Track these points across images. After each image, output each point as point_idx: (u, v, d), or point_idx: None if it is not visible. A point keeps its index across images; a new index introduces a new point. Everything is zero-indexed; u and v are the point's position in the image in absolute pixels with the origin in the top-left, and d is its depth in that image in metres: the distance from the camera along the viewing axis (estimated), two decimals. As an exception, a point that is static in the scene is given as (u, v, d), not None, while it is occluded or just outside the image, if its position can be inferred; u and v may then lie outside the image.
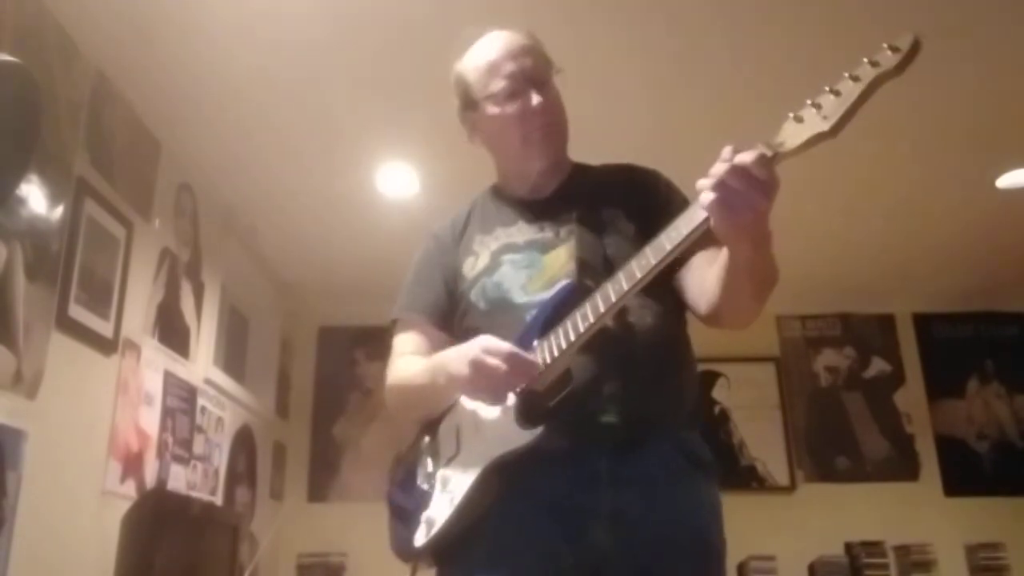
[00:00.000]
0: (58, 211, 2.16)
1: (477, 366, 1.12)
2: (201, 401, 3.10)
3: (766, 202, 0.96)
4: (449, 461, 1.23)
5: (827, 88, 0.93)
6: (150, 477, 2.62)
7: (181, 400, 2.91)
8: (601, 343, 1.14)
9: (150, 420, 2.65)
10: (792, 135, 0.95)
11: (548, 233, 1.31)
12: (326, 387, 4.42)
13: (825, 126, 0.91)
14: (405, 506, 1.27)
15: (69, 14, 2.19)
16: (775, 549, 3.93)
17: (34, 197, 2.05)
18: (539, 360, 1.13)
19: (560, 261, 1.26)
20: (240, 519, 3.23)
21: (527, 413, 1.12)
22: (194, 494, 2.96)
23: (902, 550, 3.98)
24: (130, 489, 2.47)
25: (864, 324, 4.57)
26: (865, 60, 0.91)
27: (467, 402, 1.24)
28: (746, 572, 3.91)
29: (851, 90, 0.91)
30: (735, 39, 2.43)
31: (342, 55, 2.47)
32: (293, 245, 3.80)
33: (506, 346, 1.12)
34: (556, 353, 1.12)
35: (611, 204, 1.32)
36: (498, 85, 1.32)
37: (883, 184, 3.30)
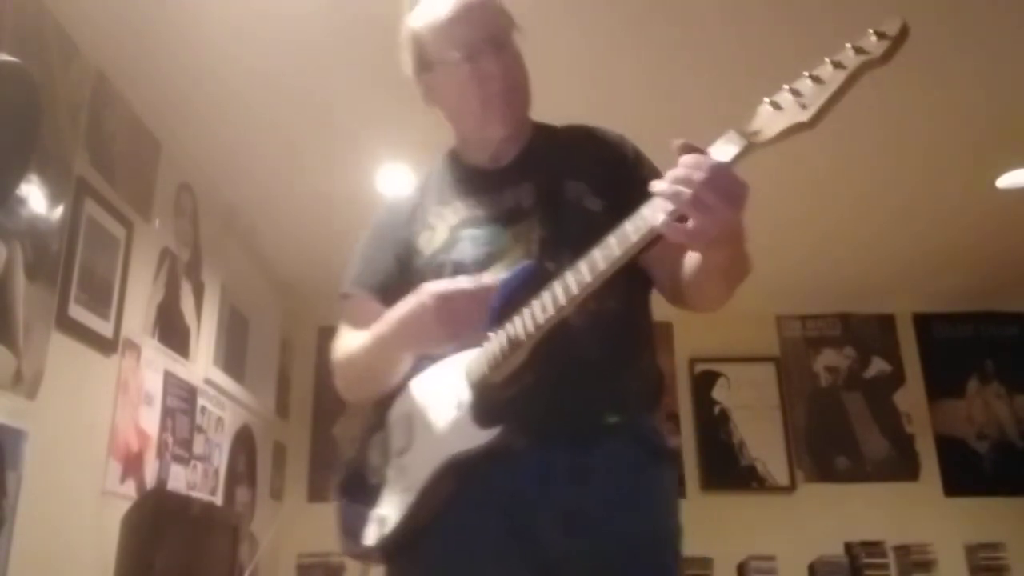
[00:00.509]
0: (58, 211, 2.16)
1: (442, 298, 1.07)
2: (201, 401, 3.10)
3: (734, 214, 0.88)
4: (401, 454, 1.17)
5: (807, 73, 0.85)
6: (150, 477, 2.62)
7: (181, 400, 2.91)
8: (561, 331, 1.05)
9: (150, 420, 2.65)
10: (769, 123, 0.86)
11: (509, 207, 1.22)
12: (326, 387, 4.37)
13: (804, 116, 0.84)
14: (354, 502, 1.22)
15: (69, 14, 2.19)
16: (775, 549, 3.93)
17: (34, 197, 2.05)
18: (496, 348, 1.07)
19: (521, 239, 1.19)
20: (240, 519, 3.23)
21: (484, 409, 1.07)
22: (194, 494, 2.96)
23: (902, 550, 3.98)
24: (130, 489, 2.47)
25: (864, 324, 4.56)
26: (848, 46, 0.83)
27: (418, 390, 1.18)
28: (746, 572, 3.91)
29: (833, 78, 0.83)
30: (737, 27, 2.41)
31: (342, 55, 2.47)
32: (293, 245, 3.80)
33: (460, 281, 1.09)
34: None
35: (576, 177, 1.23)
36: (455, 47, 1.22)
37: (883, 184, 3.30)
